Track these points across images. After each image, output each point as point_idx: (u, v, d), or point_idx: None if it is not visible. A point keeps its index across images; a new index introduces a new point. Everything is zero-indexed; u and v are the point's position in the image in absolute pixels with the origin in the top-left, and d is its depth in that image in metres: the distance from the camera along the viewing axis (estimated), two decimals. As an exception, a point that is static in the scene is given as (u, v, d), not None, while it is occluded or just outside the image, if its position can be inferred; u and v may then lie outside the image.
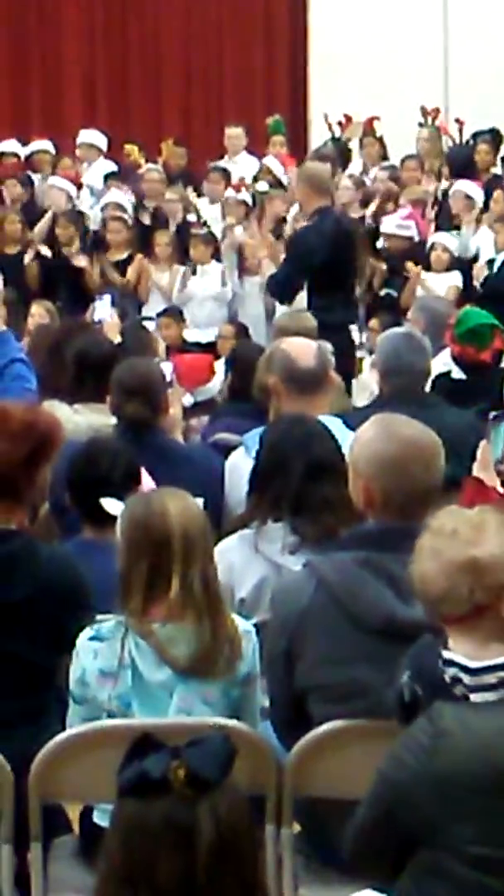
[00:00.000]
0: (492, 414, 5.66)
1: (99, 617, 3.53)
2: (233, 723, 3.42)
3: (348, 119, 12.88)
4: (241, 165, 12.43)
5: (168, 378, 5.48)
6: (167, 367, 5.59)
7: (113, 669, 3.42)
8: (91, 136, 12.60)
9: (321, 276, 8.03)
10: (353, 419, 4.55)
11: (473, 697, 2.87)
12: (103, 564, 3.66)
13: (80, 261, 10.50)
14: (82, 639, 3.48)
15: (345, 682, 3.38)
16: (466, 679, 2.88)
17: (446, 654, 2.92)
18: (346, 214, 9.70)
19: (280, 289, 8.40)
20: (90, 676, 3.45)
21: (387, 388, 5.69)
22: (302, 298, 8.17)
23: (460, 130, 12.29)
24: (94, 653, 3.46)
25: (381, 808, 2.92)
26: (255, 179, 11.94)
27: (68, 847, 3.65)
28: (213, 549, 3.58)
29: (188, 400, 6.94)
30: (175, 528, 3.42)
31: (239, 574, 4.06)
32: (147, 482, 4.39)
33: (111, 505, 3.72)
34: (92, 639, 3.47)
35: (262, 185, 11.59)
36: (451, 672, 2.89)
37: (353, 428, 4.14)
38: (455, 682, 2.88)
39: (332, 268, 8.05)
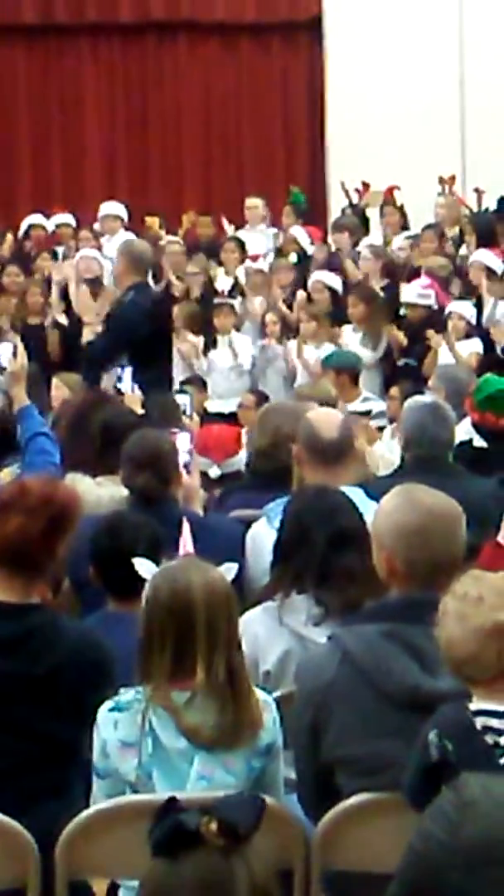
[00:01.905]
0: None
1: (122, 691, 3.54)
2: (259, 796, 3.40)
3: (366, 186, 12.96)
4: (262, 235, 12.53)
5: (187, 448, 5.48)
6: (184, 438, 5.58)
7: (134, 739, 3.41)
8: (113, 208, 12.71)
9: (142, 351, 8.18)
10: (376, 488, 4.56)
11: None
12: (127, 637, 3.64)
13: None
14: (102, 711, 3.48)
15: (371, 755, 3.36)
16: (497, 723, 2.91)
17: (474, 707, 2.99)
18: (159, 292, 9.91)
19: (98, 357, 8.52)
20: (111, 748, 3.45)
21: (410, 458, 5.69)
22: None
23: (479, 200, 12.35)
24: (114, 724, 3.45)
25: (411, 882, 2.91)
26: (279, 250, 12.05)
27: (95, 923, 3.64)
28: (237, 626, 3.56)
29: (215, 472, 6.92)
30: (199, 609, 3.41)
31: (263, 646, 4.05)
32: (187, 543, 4.37)
33: (143, 567, 3.72)
34: (112, 710, 3.47)
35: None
36: (481, 721, 2.95)
37: (375, 498, 4.15)
38: (486, 730, 2.92)
39: (151, 342, 8.26)
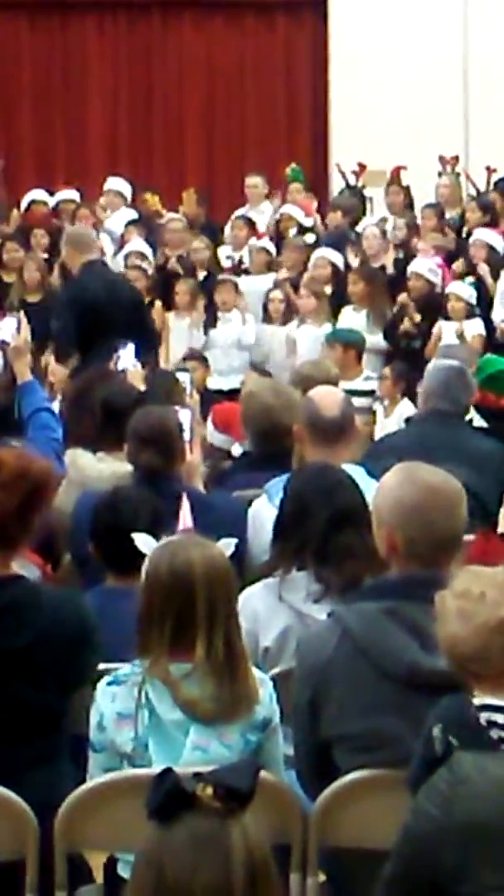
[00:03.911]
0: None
1: (113, 665, 3.55)
2: (255, 760, 3.40)
3: (362, 167, 12.95)
4: (266, 214, 12.51)
5: (188, 424, 5.49)
6: (186, 415, 5.58)
7: (130, 711, 3.42)
8: (117, 184, 12.71)
9: (86, 324, 8.04)
10: (393, 442, 4.51)
11: None
12: (127, 612, 3.65)
13: None
14: (101, 685, 3.49)
15: (370, 732, 3.37)
16: (501, 719, 2.93)
17: (477, 701, 2.97)
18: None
19: (61, 340, 8.46)
20: (108, 720, 3.46)
21: (427, 410, 5.70)
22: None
23: (488, 178, 12.33)
24: (111, 696, 3.47)
25: (406, 860, 2.92)
26: (276, 227, 12.04)
27: (93, 896, 3.65)
28: (236, 602, 3.57)
29: (237, 449, 6.90)
30: (199, 586, 3.42)
31: (263, 623, 4.06)
32: (186, 518, 4.38)
33: (143, 542, 3.71)
34: (110, 683, 3.49)
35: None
36: (485, 716, 2.95)
37: (375, 476, 4.16)
38: (491, 725, 2.93)
39: (97, 316, 8.03)
